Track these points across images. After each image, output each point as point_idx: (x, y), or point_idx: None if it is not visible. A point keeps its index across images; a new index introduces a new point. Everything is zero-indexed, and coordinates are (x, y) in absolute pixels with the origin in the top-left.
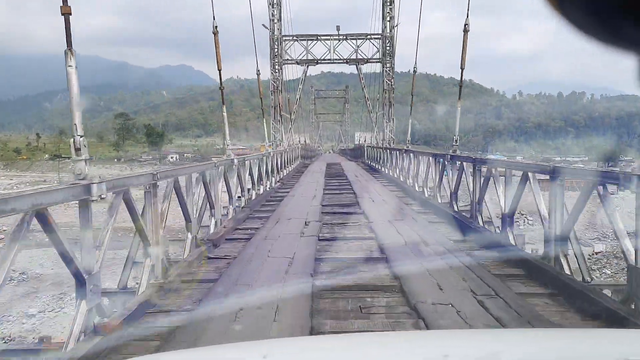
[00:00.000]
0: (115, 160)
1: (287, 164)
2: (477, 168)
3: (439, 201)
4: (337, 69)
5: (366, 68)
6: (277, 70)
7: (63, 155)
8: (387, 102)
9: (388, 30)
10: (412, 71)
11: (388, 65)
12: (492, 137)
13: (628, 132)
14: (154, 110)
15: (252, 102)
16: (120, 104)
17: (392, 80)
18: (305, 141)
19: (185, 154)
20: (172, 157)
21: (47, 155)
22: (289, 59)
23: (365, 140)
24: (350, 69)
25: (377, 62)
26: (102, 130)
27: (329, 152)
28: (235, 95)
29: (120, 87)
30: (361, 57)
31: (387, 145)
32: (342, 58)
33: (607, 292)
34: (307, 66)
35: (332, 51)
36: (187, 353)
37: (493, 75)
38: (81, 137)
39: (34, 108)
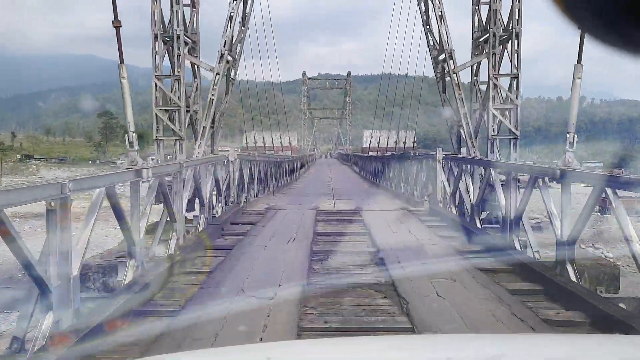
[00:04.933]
0: (90, 162)
1: None
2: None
3: None
4: (335, 70)
5: (365, 69)
6: None
7: (35, 157)
8: (501, 30)
9: None
10: (411, 73)
11: None
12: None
13: (630, 137)
14: (147, 110)
15: (246, 104)
16: (115, 103)
17: None
18: (290, 143)
19: (169, 156)
20: (153, 159)
21: (18, 156)
22: None
23: (379, 142)
24: (348, 68)
25: None
26: (93, 130)
27: (325, 157)
28: (230, 96)
29: (116, 86)
30: None
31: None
32: None
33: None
34: None
35: None
36: (190, 355)
37: None
38: None
39: (28, 107)
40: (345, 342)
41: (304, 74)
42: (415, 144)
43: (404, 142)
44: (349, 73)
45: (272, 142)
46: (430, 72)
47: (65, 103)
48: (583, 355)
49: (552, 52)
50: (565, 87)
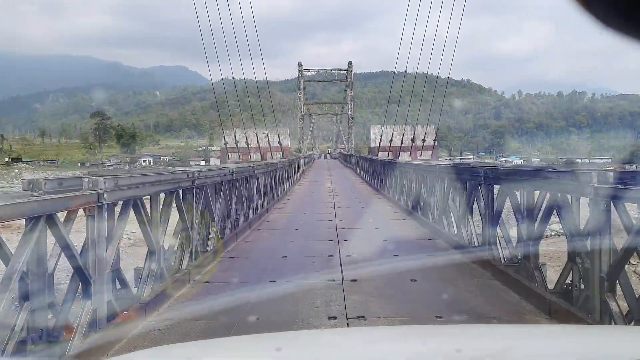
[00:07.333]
0: (79, 164)
1: None
2: None
3: None
4: (334, 64)
5: (363, 67)
6: None
7: (24, 159)
8: None
9: None
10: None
11: None
12: (493, 137)
13: (633, 132)
14: (146, 111)
15: (245, 102)
16: (112, 105)
17: None
18: (280, 143)
19: (162, 157)
20: (144, 161)
21: (6, 159)
22: None
23: (391, 140)
24: (347, 65)
25: None
26: (89, 131)
27: (325, 157)
28: (229, 95)
29: (113, 88)
30: None
31: None
32: None
33: None
34: None
35: None
36: (201, 344)
37: (491, 75)
38: None
39: (24, 109)
40: (354, 332)
41: (299, 64)
42: (436, 143)
43: (423, 140)
44: (349, 63)
45: (258, 142)
46: (423, 68)
47: (63, 104)
48: (593, 345)
49: (551, 49)
50: (564, 81)
